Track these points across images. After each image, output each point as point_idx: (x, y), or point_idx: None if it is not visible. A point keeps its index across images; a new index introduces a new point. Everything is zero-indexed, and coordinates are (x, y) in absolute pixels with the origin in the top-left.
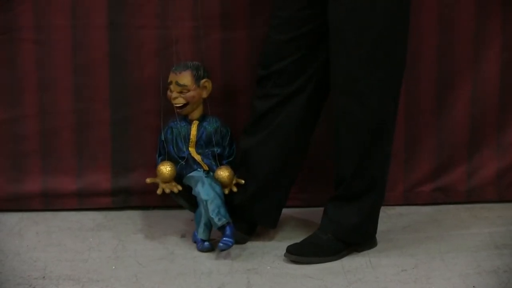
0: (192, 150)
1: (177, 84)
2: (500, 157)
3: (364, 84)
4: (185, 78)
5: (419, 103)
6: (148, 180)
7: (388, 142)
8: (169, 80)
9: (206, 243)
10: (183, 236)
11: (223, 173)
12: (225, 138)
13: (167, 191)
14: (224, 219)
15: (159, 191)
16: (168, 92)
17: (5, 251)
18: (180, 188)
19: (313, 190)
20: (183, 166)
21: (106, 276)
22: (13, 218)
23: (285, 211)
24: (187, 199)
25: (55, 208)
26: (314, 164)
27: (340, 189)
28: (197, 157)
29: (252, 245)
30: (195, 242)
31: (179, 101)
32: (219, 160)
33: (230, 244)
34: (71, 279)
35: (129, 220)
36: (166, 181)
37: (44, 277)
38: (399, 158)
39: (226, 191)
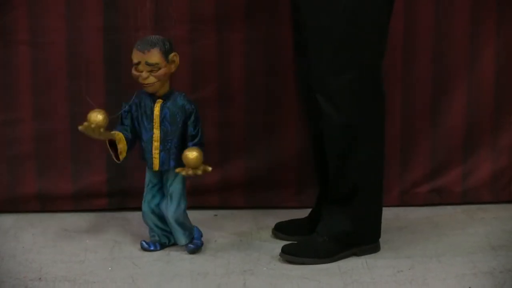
0: (156, 133)
1: (147, 64)
2: (495, 159)
3: (333, 86)
4: (154, 56)
5: (415, 105)
6: (80, 128)
7: (370, 143)
8: (135, 60)
9: (190, 245)
10: None
11: (190, 153)
12: (190, 117)
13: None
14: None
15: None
16: (134, 72)
17: (1, 253)
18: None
19: (309, 191)
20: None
21: (102, 277)
22: (9, 220)
23: (281, 212)
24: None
25: (51, 210)
26: (310, 165)
27: (328, 192)
28: (155, 152)
29: (248, 246)
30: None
31: (151, 80)
32: (185, 142)
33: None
34: (67, 281)
35: (125, 222)
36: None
37: (40, 278)
38: (395, 160)
39: (198, 172)
